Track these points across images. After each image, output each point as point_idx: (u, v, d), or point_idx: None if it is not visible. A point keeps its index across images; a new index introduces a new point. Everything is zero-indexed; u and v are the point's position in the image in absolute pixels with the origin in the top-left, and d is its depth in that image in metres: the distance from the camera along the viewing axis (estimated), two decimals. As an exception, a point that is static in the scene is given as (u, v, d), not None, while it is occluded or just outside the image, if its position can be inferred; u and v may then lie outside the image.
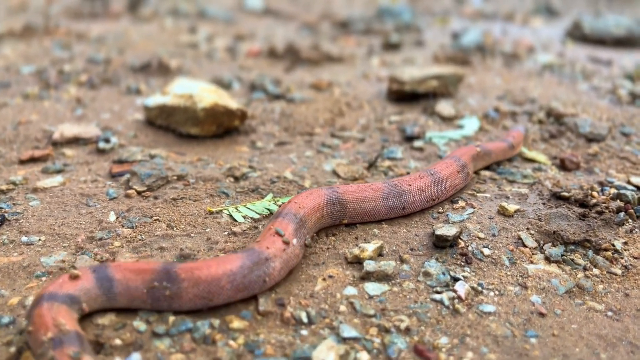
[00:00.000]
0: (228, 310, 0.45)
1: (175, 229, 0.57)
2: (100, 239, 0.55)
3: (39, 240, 0.54)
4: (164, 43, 1.52)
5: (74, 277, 0.43)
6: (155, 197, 0.63)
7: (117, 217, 0.58)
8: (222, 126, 0.83)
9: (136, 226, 0.57)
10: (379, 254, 0.53)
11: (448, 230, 0.54)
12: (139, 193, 0.64)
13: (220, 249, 0.53)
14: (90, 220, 0.58)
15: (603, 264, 0.54)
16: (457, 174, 0.64)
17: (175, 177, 0.67)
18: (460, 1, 2.66)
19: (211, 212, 0.60)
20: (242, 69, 1.24)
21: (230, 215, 0.59)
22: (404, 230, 0.58)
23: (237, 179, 0.68)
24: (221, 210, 0.60)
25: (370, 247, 0.52)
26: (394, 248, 0.55)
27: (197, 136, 0.83)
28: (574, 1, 2.79)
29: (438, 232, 0.54)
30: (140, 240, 0.55)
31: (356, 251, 0.52)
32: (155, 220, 0.58)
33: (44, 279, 0.49)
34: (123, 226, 0.57)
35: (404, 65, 1.34)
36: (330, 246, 0.54)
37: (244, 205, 0.61)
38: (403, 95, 1.02)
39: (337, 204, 0.56)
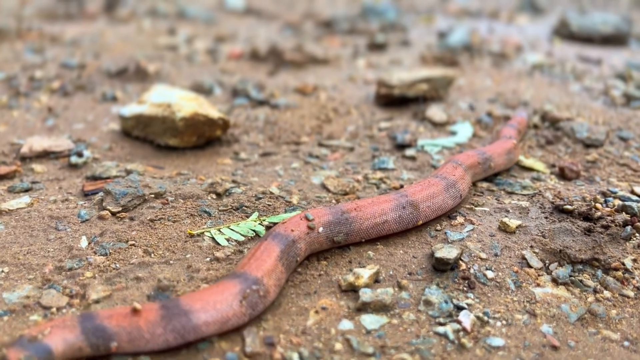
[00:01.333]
0: (211, 352, 0.41)
1: (152, 255, 0.52)
2: (70, 269, 0.50)
3: (1, 272, 0.49)
4: (142, 45, 1.46)
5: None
6: (131, 219, 0.58)
7: (89, 243, 0.54)
8: (203, 136, 0.79)
9: (110, 253, 0.52)
10: (375, 280, 0.49)
11: (448, 252, 0.50)
12: (113, 214, 0.59)
13: (201, 279, 0.49)
14: (60, 247, 0.53)
15: (614, 286, 0.50)
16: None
17: (152, 196, 0.63)
18: (444, -1, 2.63)
19: (192, 235, 0.55)
20: (223, 73, 1.19)
21: (213, 238, 0.55)
22: (401, 251, 0.54)
23: (219, 195, 0.64)
24: (203, 233, 0.56)
25: (365, 274, 0.48)
26: (391, 273, 0.50)
27: (177, 147, 0.79)
28: (557, -2, 2.77)
29: (438, 255, 0.50)
30: (114, 269, 0.50)
31: (351, 278, 0.48)
32: (130, 245, 0.54)
33: (5, 318, 0.44)
34: (95, 253, 0.52)
35: (390, 66, 1.30)
36: (322, 272, 0.50)
37: (228, 227, 0.56)
38: (392, 100, 0.98)
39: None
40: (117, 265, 0.50)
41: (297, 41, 1.56)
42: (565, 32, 1.73)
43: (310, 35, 1.67)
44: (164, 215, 0.59)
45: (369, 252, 0.53)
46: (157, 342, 0.39)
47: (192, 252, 0.53)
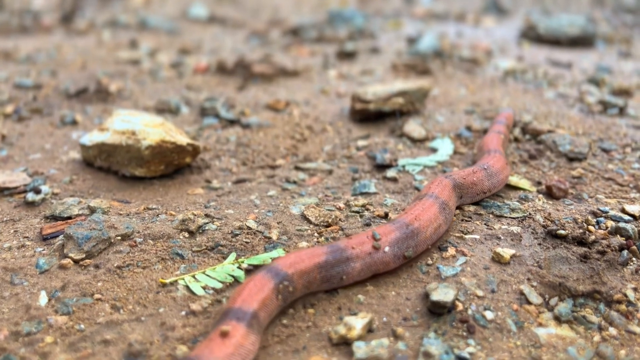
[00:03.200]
0: None
1: (121, 310, 0.47)
2: (28, 334, 0.44)
3: (-51, 341, 0.44)
4: (102, 60, 1.40)
5: None
6: (97, 266, 0.53)
7: (49, 299, 0.48)
8: (172, 164, 0.74)
9: (73, 311, 0.47)
10: (369, 329, 0.45)
11: (445, 295, 0.47)
12: (76, 262, 0.54)
13: (177, 338, 0.44)
14: (16, 306, 0.48)
15: (619, 321, 0.47)
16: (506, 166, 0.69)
17: (119, 238, 0.57)
18: (410, 1, 2.61)
19: (164, 284, 0.50)
20: (189, 89, 1.13)
21: (188, 287, 0.50)
22: (393, 292, 0.50)
23: (192, 233, 0.59)
24: (176, 281, 0.51)
25: (358, 324, 0.44)
26: (385, 319, 0.47)
27: (144, 178, 0.73)
28: (521, -2, 2.79)
29: (434, 298, 0.47)
30: (78, 331, 0.45)
31: (342, 330, 0.44)
32: (96, 300, 0.48)
33: (-47, 400, 0.38)
34: (57, 312, 0.47)
35: (362, 77, 1.26)
36: (310, 323, 0.46)
37: (203, 272, 0.52)
38: (368, 115, 0.94)
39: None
40: (82, 326, 0.45)
41: (264, 51, 1.52)
42: (532, 35, 1.73)
43: (278, 44, 1.63)
44: (132, 260, 0.54)
45: (359, 295, 0.49)
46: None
47: (166, 305, 0.48)
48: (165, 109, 1.00)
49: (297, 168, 0.77)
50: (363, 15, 2.05)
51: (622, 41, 1.74)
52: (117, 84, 1.12)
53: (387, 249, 0.50)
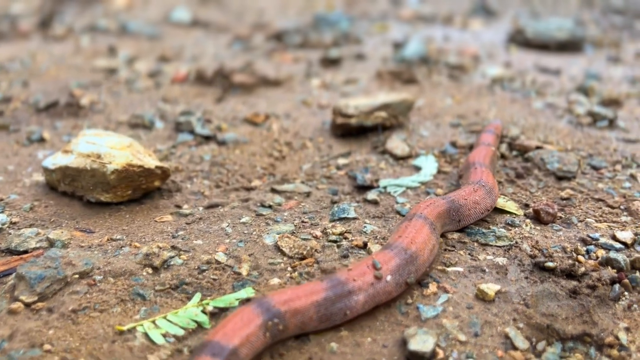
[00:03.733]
0: None
1: (72, 364, 0.43)
2: (-34, 395, 0.40)
3: None
4: (78, 69, 1.35)
5: None
6: (49, 310, 0.49)
7: (-6, 352, 0.44)
8: (140, 189, 0.70)
9: (19, 365, 0.43)
10: (341, 383, 0.42)
11: (423, 344, 0.43)
12: (27, 305, 0.50)
13: (131, 398, 0.40)
14: (-44, 360, 0.44)
15: (611, 369, 0.44)
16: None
17: (76, 276, 0.53)
18: (397, 3, 2.58)
19: (121, 332, 0.47)
20: (166, 102, 1.09)
21: (147, 335, 0.46)
22: (369, 339, 0.46)
23: (156, 269, 0.55)
24: (135, 327, 0.47)
25: (328, 379, 0.41)
26: (359, 371, 0.43)
27: (110, 203, 0.69)
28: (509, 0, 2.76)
29: (412, 348, 0.43)
30: (22, 391, 0.41)
31: (311, 386, 0.40)
32: (45, 352, 0.44)
33: None
34: (1, 367, 0.43)
35: (346, 86, 1.23)
36: (277, 377, 0.42)
37: (164, 317, 0.48)
38: (349, 130, 0.91)
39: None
40: (27, 384, 0.41)
41: (246, 58, 1.47)
42: (520, 39, 1.70)
43: (261, 50, 1.59)
44: (89, 303, 0.50)
45: (332, 343, 0.46)
46: None
47: (121, 356, 0.44)
48: (139, 124, 0.96)
49: (273, 190, 0.73)
50: (348, 18, 2.01)
51: (611, 45, 1.71)
52: (90, 97, 1.08)
53: (389, 277, 0.48)
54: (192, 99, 1.12)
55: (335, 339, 0.46)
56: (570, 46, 1.64)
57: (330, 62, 1.43)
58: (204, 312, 0.48)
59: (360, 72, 1.34)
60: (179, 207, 0.69)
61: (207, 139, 0.90)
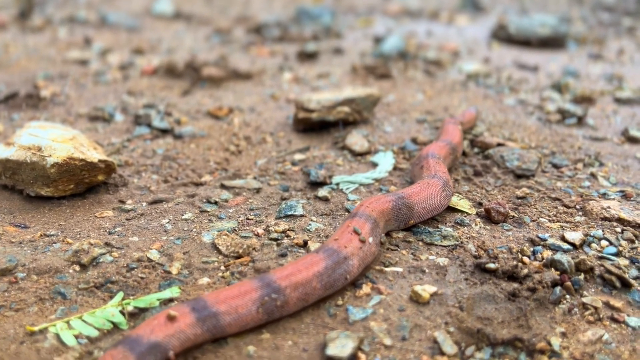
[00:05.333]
0: None
1: (-26, 366, 0.41)
2: None
3: None
4: (49, 60, 1.33)
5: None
6: (-36, 309, 0.47)
7: None
8: (83, 183, 0.68)
9: None
10: (251, 389, 0.40)
11: (341, 348, 0.41)
12: (-60, 304, 0.48)
13: (28, 403, 0.38)
14: None
15: (538, 376, 0.42)
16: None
17: (-2, 273, 0.51)
18: (386, -3, 2.55)
19: (32, 333, 0.45)
20: (131, 94, 1.07)
21: (58, 336, 0.44)
22: (290, 342, 0.44)
23: (84, 267, 0.53)
24: (47, 328, 0.45)
25: (236, 385, 0.39)
26: (273, 376, 0.41)
27: (52, 197, 0.67)
28: (499, -5, 2.74)
29: (329, 353, 0.41)
30: None
31: (217, 392, 0.38)
32: (-51, 352, 0.43)
33: None
34: None
35: (318, 80, 1.21)
36: (185, 382, 0.41)
37: (80, 317, 0.46)
38: (311, 125, 0.89)
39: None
40: None
41: (223, 51, 1.45)
42: (503, 35, 1.68)
43: (239, 43, 1.56)
44: (6, 301, 0.48)
45: (250, 347, 0.44)
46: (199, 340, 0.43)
47: (28, 358, 0.42)
48: (98, 117, 0.94)
49: (222, 186, 0.71)
50: (332, 12, 1.99)
51: (594, 42, 1.69)
52: (52, 89, 1.06)
53: (370, 239, 0.52)
54: (159, 92, 1.10)
55: (255, 341, 0.44)
56: (552, 42, 1.62)
57: (307, 56, 1.41)
58: (122, 312, 0.47)
59: (336, 67, 1.32)
60: (122, 202, 0.67)
61: (164, 132, 0.88)
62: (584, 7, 2.47)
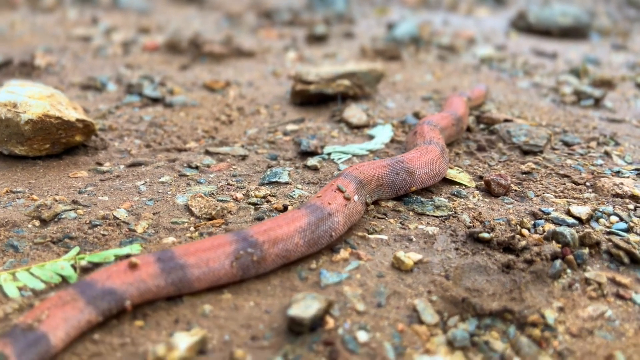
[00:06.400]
0: None
1: None
2: None
3: None
4: (53, 37, 1.30)
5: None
6: None
7: None
8: (59, 143, 0.64)
9: None
10: (200, 350, 0.36)
11: (305, 309, 0.37)
12: None
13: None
14: None
15: (528, 350, 0.37)
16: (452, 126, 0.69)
17: (-49, 224, 0.48)
18: (405, -10, 2.50)
19: (-27, 283, 0.41)
20: (129, 67, 1.04)
21: (0, 287, 0.41)
22: (251, 303, 0.40)
23: (44, 222, 0.50)
24: (-10, 279, 0.41)
25: (182, 343, 0.34)
26: (227, 338, 0.37)
27: (27, 157, 0.64)
28: (522, -10, 2.67)
29: (291, 313, 0.37)
30: None
31: (160, 350, 0.34)
32: None
33: None
34: None
35: (323, 60, 1.16)
36: (127, 339, 0.36)
37: (27, 269, 0.42)
38: (309, 98, 0.84)
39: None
40: None
41: (230, 33, 1.42)
42: (522, 25, 1.61)
43: (248, 27, 1.53)
44: (-47, 252, 0.45)
45: (206, 305, 0.40)
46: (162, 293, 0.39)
47: (-38, 308, 0.39)
48: (90, 86, 0.91)
49: (207, 152, 0.67)
50: (346, 0, 1.94)
51: (619, 34, 1.62)
52: (48, 59, 1.03)
53: (356, 197, 0.49)
54: (157, 65, 1.06)
55: (213, 301, 0.40)
56: (574, 32, 1.55)
57: (316, 39, 1.37)
58: (73, 266, 0.43)
59: (344, 49, 1.28)
60: (99, 164, 0.64)
61: (155, 101, 0.84)
62: (610, 3, 2.38)
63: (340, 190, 0.49)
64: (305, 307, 0.37)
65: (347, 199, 0.48)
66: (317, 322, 0.37)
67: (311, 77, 0.84)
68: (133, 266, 0.38)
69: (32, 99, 0.64)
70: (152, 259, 0.39)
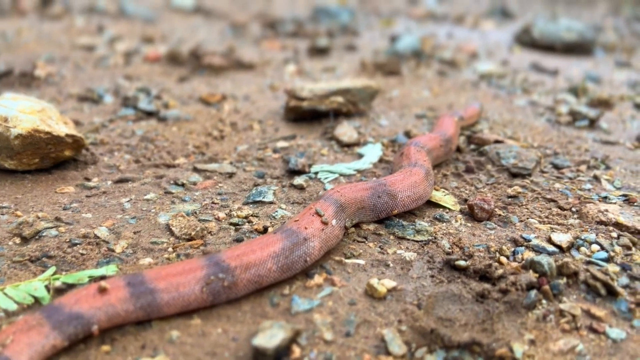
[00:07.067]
0: None
1: None
2: None
3: None
4: (57, 45, 1.32)
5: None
6: None
7: None
8: (49, 158, 0.65)
9: None
10: (163, 377, 0.36)
11: (270, 339, 0.37)
12: None
13: None
14: None
15: (493, 386, 0.37)
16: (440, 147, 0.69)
17: None
18: (413, 1, 2.51)
19: (-54, 302, 0.41)
20: (128, 78, 1.05)
21: (-27, 307, 0.41)
22: (219, 330, 0.40)
23: (25, 239, 0.50)
24: (-36, 299, 0.42)
25: (144, 371, 0.35)
26: (191, 365, 0.37)
27: (16, 171, 0.65)
28: (530, 4, 2.66)
29: (255, 342, 0.37)
30: None
31: (122, 378, 0.34)
32: None
33: None
34: None
35: (322, 73, 1.17)
36: (92, 365, 0.37)
37: (2, 290, 0.43)
38: (302, 114, 0.85)
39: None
40: None
41: (233, 43, 1.43)
42: (526, 39, 1.61)
43: (252, 37, 1.54)
44: None
45: (174, 331, 0.40)
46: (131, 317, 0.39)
47: None
48: (88, 98, 0.92)
49: (195, 169, 0.68)
50: (351, 12, 1.95)
51: (624, 50, 1.61)
52: (48, 69, 1.04)
53: (334, 222, 0.49)
54: (156, 77, 1.07)
55: (182, 326, 0.40)
56: (578, 48, 1.54)
57: (318, 52, 1.37)
58: (47, 287, 0.43)
59: (345, 62, 1.28)
60: (87, 179, 0.64)
61: (149, 114, 0.85)
62: (619, 17, 2.37)
63: (318, 214, 0.49)
64: (271, 336, 0.37)
65: (325, 223, 0.48)
66: (282, 352, 0.37)
67: (305, 93, 0.84)
68: (102, 290, 0.38)
69: (22, 114, 0.65)
70: (122, 282, 0.39)
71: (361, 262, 0.49)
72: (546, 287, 0.46)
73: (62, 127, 0.66)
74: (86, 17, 1.74)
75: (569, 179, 0.68)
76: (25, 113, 0.65)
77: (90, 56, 1.22)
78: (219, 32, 1.62)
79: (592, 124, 0.88)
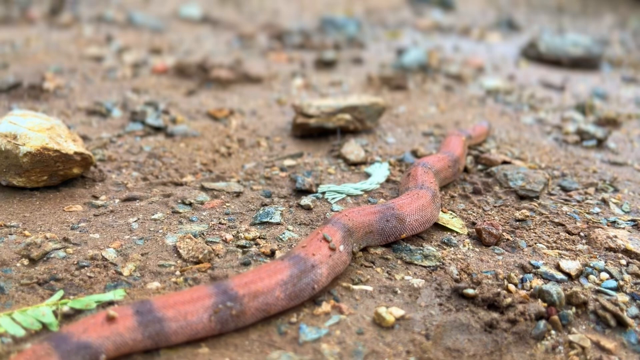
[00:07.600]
0: None
1: None
2: None
3: None
4: (66, 55, 1.33)
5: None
6: None
7: None
8: (57, 175, 0.65)
9: None
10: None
11: (277, 371, 0.37)
12: None
13: None
14: None
15: (502, 421, 0.37)
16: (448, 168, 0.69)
17: (-59, 261, 0.49)
18: (419, 13, 2.51)
19: (-45, 327, 0.42)
20: (135, 91, 1.05)
21: (-19, 333, 0.41)
22: (227, 359, 0.40)
23: (33, 261, 0.50)
24: (-28, 323, 0.42)
25: (152, 403, 0.35)
26: (198, 397, 0.37)
27: (24, 188, 0.65)
28: (537, 16, 2.66)
29: (262, 374, 0.37)
30: None
31: (130, 410, 0.34)
32: None
33: None
34: None
35: (329, 88, 1.17)
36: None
37: (9, 315, 0.43)
38: (309, 131, 0.85)
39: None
40: None
41: (241, 55, 1.43)
42: (533, 54, 1.61)
43: (259, 49, 1.54)
44: (-60, 291, 0.45)
45: (181, 361, 0.40)
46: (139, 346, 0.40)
47: (-58, 354, 0.39)
48: (96, 111, 0.92)
49: (202, 188, 0.68)
50: (357, 23, 1.95)
51: (630, 65, 1.61)
52: (57, 82, 1.05)
53: (341, 247, 0.49)
54: (164, 90, 1.08)
55: (189, 355, 0.40)
56: (584, 63, 1.54)
57: (324, 65, 1.38)
58: (55, 312, 0.43)
59: (352, 76, 1.28)
60: (95, 197, 0.65)
61: (157, 130, 0.85)
62: (626, 31, 2.37)
63: (325, 239, 0.49)
64: (278, 368, 0.37)
65: (332, 249, 0.48)
66: (290, 384, 0.37)
67: (312, 110, 0.84)
68: (110, 319, 0.38)
69: (31, 131, 0.65)
70: (130, 311, 0.39)
71: (369, 288, 0.49)
72: (555, 317, 0.46)
73: (70, 145, 0.66)
74: (95, 27, 1.75)
75: (577, 202, 0.68)
76: (34, 131, 0.65)
77: (99, 67, 1.22)
78: (226, 42, 1.63)
79: (600, 143, 0.88)
